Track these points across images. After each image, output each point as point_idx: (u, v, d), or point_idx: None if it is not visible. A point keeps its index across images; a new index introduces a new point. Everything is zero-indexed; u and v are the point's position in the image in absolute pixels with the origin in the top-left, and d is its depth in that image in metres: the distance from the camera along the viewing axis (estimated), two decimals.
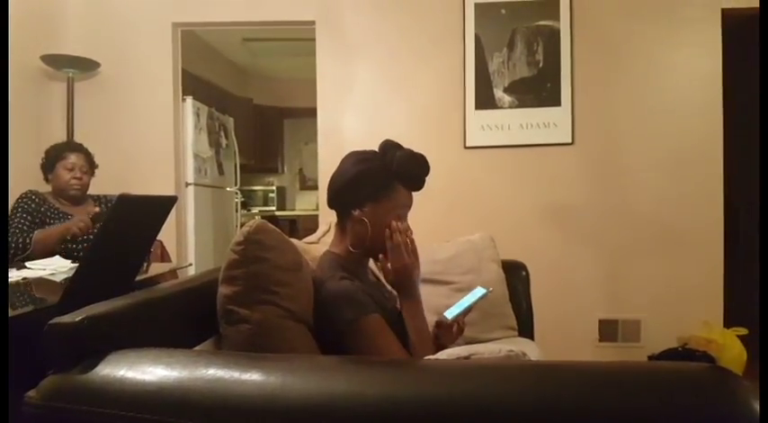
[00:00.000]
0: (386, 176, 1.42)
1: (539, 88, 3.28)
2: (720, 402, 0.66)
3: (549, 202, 3.31)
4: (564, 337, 3.14)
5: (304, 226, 6.13)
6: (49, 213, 2.56)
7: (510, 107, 3.30)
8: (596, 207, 3.27)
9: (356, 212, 1.42)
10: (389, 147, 1.47)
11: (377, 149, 1.48)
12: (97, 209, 2.57)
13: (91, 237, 2.56)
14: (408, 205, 1.48)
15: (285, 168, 7.07)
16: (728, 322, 3.12)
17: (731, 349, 2.83)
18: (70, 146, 2.74)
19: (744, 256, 4.17)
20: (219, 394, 0.77)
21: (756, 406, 0.65)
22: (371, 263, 1.66)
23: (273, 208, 6.56)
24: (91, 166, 2.72)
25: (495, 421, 0.68)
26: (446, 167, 3.25)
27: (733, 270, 3.26)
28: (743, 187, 4.03)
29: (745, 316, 3.15)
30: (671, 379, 0.72)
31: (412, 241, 1.42)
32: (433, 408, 0.71)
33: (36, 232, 2.41)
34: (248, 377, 0.79)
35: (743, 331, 2.93)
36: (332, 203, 1.49)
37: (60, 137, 3.23)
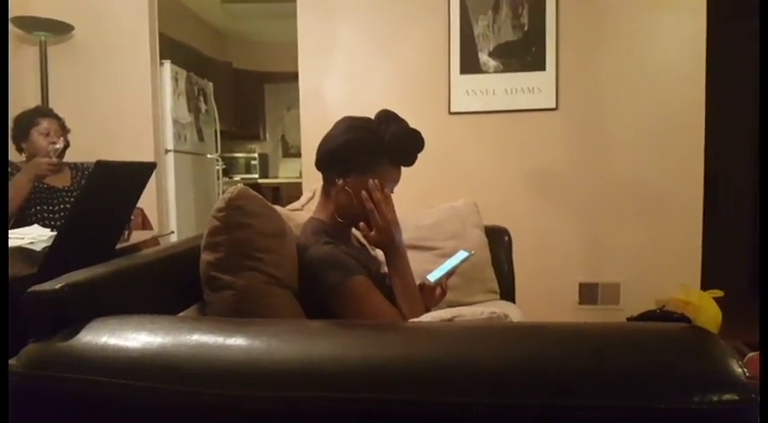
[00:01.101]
0: (375, 149, 1.40)
1: (523, 52, 3.25)
2: (697, 360, 0.68)
3: (532, 168, 3.32)
4: (545, 300, 3.19)
5: (287, 194, 6.09)
6: None
7: (495, 72, 3.27)
8: (578, 172, 3.29)
9: (340, 182, 1.41)
10: (385, 118, 1.44)
11: (372, 117, 1.45)
12: (60, 144, 2.52)
13: (68, 205, 2.53)
14: (395, 181, 1.46)
15: (267, 135, 6.99)
16: (705, 285, 3.19)
17: (707, 311, 2.89)
18: (40, 111, 2.68)
19: (721, 221, 4.25)
20: (204, 359, 0.77)
21: (732, 364, 0.66)
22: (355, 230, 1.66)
23: (256, 175, 6.49)
24: (64, 130, 2.67)
25: (479, 381, 0.69)
26: (430, 133, 3.18)
27: (710, 234, 3.32)
28: (722, 153, 4.08)
29: (721, 279, 3.22)
30: (649, 338, 0.74)
31: (389, 200, 1.40)
32: (417, 369, 0.71)
33: None
34: (233, 342, 0.79)
35: (719, 293, 2.99)
36: (318, 166, 1.47)
37: (34, 103, 3.15)
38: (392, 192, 1.46)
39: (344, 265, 1.31)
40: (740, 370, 0.65)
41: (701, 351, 0.69)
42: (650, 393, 0.64)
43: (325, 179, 1.47)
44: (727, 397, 0.63)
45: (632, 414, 0.64)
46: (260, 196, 1.24)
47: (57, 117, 2.66)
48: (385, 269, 1.48)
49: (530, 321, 0.88)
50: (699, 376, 0.66)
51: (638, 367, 0.68)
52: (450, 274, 1.51)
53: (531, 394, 0.66)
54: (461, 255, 1.53)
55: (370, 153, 1.40)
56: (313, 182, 1.51)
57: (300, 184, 3.55)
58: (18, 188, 2.37)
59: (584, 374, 0.68)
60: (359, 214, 1.41)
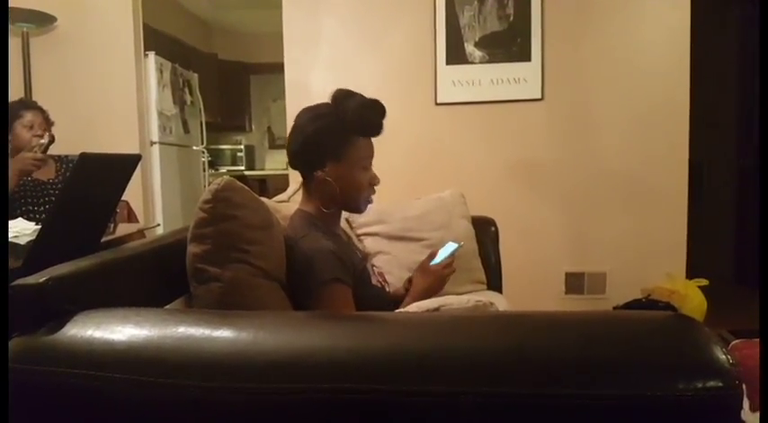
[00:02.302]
0: (342, 131, 1.39)
1: (509, 43, 3.25)
2: (682, 347, 0.69)
3: (519, 158, 3.32)
4: (531, 289, 3.20)
5: (274, 185, 6.05)
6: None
7: (481, 62, 3.26)
8: (564, 162, 3.30)
9: (318, 173, 1.40)
10: (341, 97, 1.42)
11: (330, 101, 1.44)
12: (45, 139, 2.47)
13: (53, 198, 2.50)
14: (370, 155, 1.45)
15: (253, 126, 6.94)
16: (690, 274, 3.22)
17: (693, 299, 2.92)
18: (24, 104, 2.65)
19: (706, 210, 4.30)
20: (190, 351, 0.77)
21: (716, 351, 0.67)
22: (343, 222, 1.66)
23: (242, 167, 6.45)
24: (48, 123, 2.64)
25: (465, 370, 0.69)
26: (417, 124, 3.23)
27: (696, 223, 3.35)
28: (707, 142, 4.11)
29: (706, 267, 3.26)
30: (634, 327, 0.74)
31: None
32: (404, 359, 0.72)
33: None
34: (219, 334, 0.78)
35: (704, 282, 3.01)
36: (293, 163, 1.46)
37: (17, 95, 3.11)
38: (370, 166, 1.46)
39: (335, 266, 1.31)
40: (725, 357, 0.65)
41: (686, 338, 0.70)
42: (635, 381, 0.65)
43: (303, 175, 1.47)
44: (711, 384, 0.63)
45: (617, 401, 0.64)
46: (246, 188, 1.23)
47: (41, 109, 2.64)
48: (369, 265, 1.49)
49: (516, 310, 0.88)
50: (683, 363, 0.66)
51: (624, 355, 0.68)
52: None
53: (517, 383, 0.67)
54: (450, 246, 1.54)
55: (339, 136, 1.40)
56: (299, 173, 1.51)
57: (287, 175, 3.53)
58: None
59: (569, 363, 0.68)
60: (345, 201, 1.42)
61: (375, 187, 1.48)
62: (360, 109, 1.39)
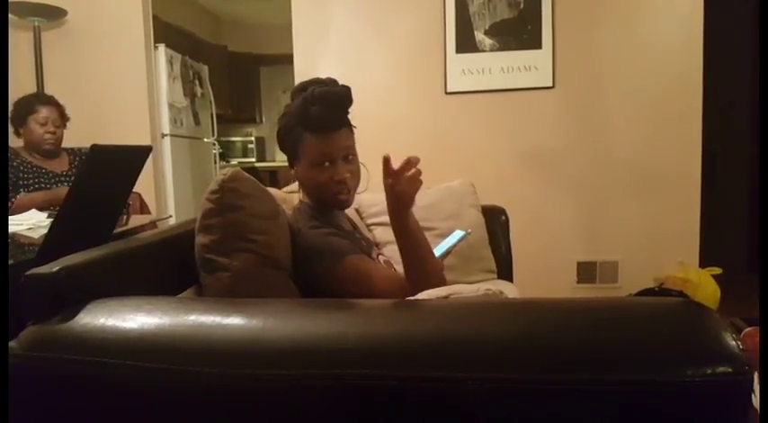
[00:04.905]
0: (295, 128, 1.34)
1: (519, 30, 3.22)
2: (691, 333, 0.68)
3: (529, 147, 3.31)
4: (542, 279, 3.20)
5: (285, 177, 6.07)
6: (21, 168, 2.51)
7: (491, 50, 3.25)
8: (575, 151, 3.28)
9: (292, 172, 1.41)
10: (295, 91, 1.37)
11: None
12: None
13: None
14: (326, 152, 1.31)
15: (263, 118, 6.95)
16: (703, 262, 3.20)
17: (706, 288, 2.91)
18: (40, 98, 2.67)
19: (719, 198, 4.25)
20: (202, 339, 0.77)
21: (726, 337, 0.66)
22: (352, 211, 1.65)
23: (253, 159, 6.47)
24: (63, 118, 2.67)
25: (474, 357, 0.69)
26: (426, 114, 3.22)
27: (709, 211, 3.32)
28: (720, 130, 4.07)
29: (719, 256, 3.23)
30: (644, 313, 0.74)
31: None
32: (413, 345, 0.72)
33: (21, 196, 2.38)
34: (230, 321, 0.79)
35: (717, 270, 3.00)
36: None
37: (29, 89, 3.14)
38: (335, 162, 1.32)
39: (334, 249, 1.29)
40: (734, 343, 0.65)
41: (695, 324, 0.69)
42: (645, 366, 0.65)
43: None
44: (721, 369, 0.63)
45: (627, 387, 0.64)
46: (253, 178, 1.23)
47: (57, 105, 2.66)
48: (377, 253, 1.48)
49: (525, 297, 0.88)
50: (693, 349, 0.66)
51: (633, 341, 0.68)
52: (446, 253, 1.51)
53: (526, 369, 0.67)
54: (458, 234, 1.54)
55: (294, 134, 1.34)
56: None
57: None
58: (32, 201, 2.34)
59: (579, 349, 0.68)
60: (316, 198, 1.39)
61: (347, 182, 1.33)
62: (303, 104, 1.31)
